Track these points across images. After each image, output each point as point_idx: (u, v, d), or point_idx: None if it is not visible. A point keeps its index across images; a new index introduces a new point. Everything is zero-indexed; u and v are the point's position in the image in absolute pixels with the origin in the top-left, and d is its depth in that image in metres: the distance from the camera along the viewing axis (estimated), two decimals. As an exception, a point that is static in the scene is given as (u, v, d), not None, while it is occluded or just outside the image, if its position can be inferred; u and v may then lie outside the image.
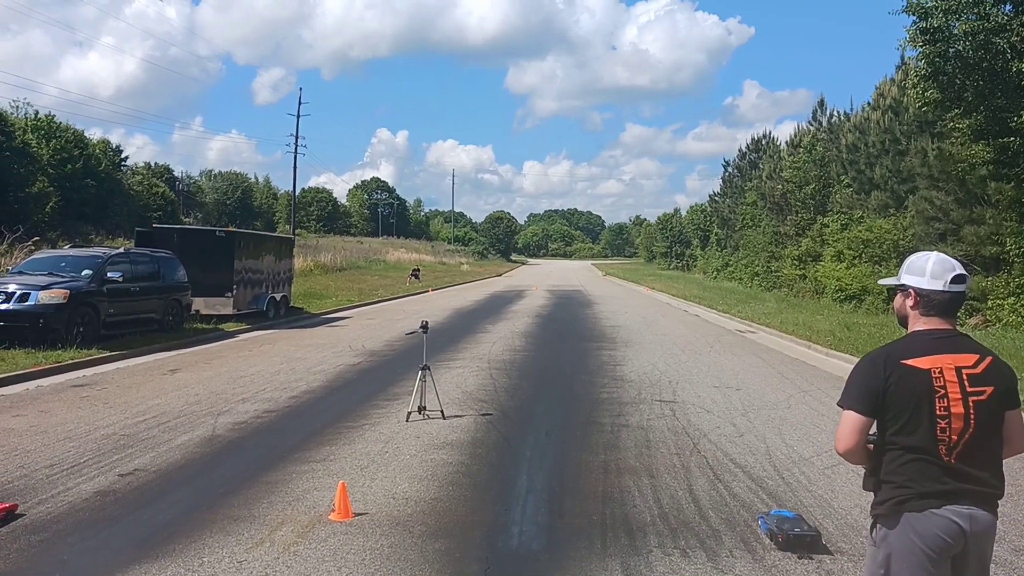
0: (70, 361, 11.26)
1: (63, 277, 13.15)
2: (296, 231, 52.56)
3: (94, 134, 47.27)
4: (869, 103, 28.50)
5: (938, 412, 2.43)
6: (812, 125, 35.17)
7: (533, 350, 14.28)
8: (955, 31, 13.72)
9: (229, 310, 17.66)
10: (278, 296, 20.12)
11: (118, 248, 16.64)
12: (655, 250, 79.02)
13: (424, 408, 8.05)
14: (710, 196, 54.91)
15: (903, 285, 2.61)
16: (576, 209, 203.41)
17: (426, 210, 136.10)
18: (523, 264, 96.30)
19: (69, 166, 32.83)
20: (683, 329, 18.90)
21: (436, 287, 37.80)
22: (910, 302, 2.60)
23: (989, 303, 16.00)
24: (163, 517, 5.06)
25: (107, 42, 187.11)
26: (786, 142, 38.97)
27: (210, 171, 71.48)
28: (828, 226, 27.53)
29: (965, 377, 2.46)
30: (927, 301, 2.55)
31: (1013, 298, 15.53)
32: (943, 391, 2.43)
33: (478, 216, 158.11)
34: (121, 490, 5.61)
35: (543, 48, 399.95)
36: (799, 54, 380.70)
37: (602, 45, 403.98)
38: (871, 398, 2.49)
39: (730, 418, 8.36)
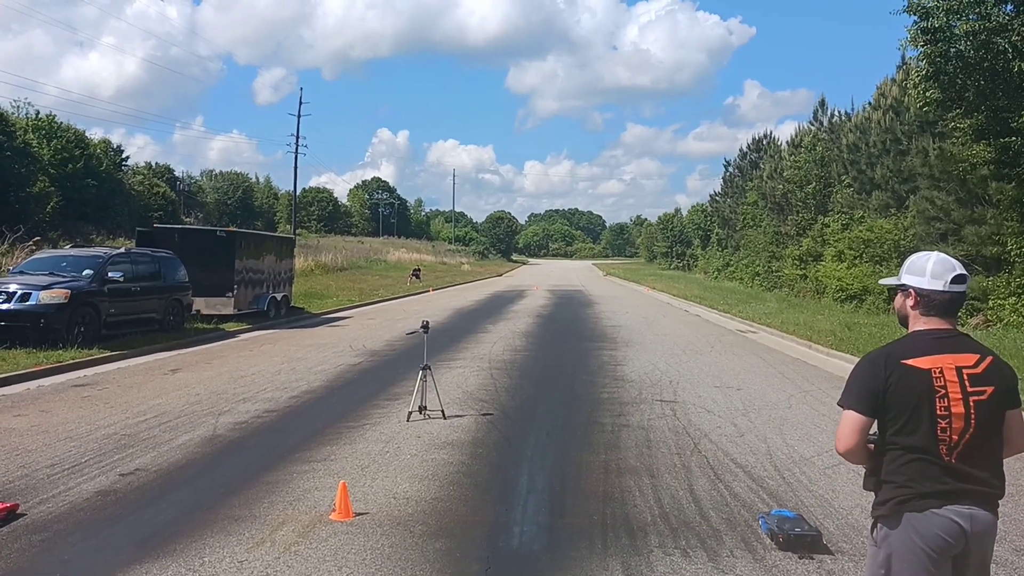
0: (71, 361, 11.27)
1: (64, 277, 13.16)
2: (297, 231, 52.57)
3: (95, 134, 47.22)
4: (870, 103, 28.48)
5: (939, 412, 2.43)
6: (813, 125, 35.12)
7: (534, 350, 14.28)
8: (956, 31, 13.69)
9: (230, 310, 17.67)
10: (279, 296, 20.14)
11: (119, 248, 16.65)
12: (656, 250, 78.98)
13: (425, 408, 8.06)
14: (711, 196, 54.85)
15: (903, 285, 2.61)
16: (577, 209, 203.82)
17: (427, 210, 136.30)
18: (524, 264, 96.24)
19: (70, 166, 32.78)
20: (684, 329, 18.90)
21: (437, 287, 37.79)
22: (910, 302, 2.60)
23: (990, 303, 15.99)
24: (164, 517, 5.06)
25: (108, 42, 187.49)
26: (787, 142, 38.91)
27: (211, 171, 71.62)
28: (829, 226, 27.52)
29: (966, 377, 2.46)
30: (927, 301, 2.55)
31: (1014, 298, 15.52)
32: (943, 391, 2.43)
33: (479, 216, 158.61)
34: (122, 490, 5.61)
35: (544, 48, 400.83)
36: (800, 54, 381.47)
37: (603, 45, 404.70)
38: (871, 398, 2.49)
39: (731, 418, 8.36)
